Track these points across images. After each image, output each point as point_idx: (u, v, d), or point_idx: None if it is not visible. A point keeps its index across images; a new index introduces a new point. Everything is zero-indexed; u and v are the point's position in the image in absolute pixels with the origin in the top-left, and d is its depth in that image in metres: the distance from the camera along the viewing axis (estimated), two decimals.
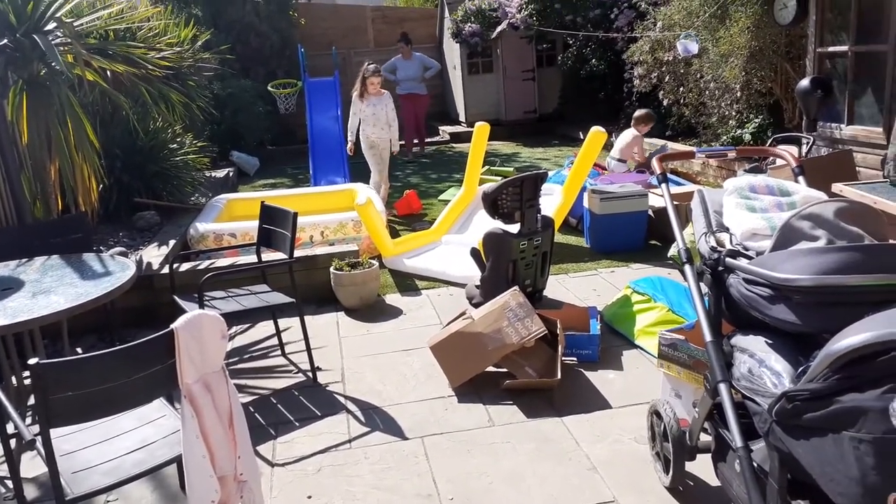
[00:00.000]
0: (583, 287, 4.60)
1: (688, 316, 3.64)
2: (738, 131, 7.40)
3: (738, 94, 7.19)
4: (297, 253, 4.66)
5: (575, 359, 3.45)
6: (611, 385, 3.24)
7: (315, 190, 7.15)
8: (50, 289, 2.81)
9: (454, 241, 5.59)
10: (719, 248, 2.20)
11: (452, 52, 12.92)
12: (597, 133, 5.03)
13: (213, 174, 8.88)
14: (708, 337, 2.12)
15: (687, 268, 2.29)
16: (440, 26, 13.81)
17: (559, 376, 3.09)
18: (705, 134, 7.92)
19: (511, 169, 8.33)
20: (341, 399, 3.24)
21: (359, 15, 14.20)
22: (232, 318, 3.43)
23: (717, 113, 7.38)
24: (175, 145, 7.00)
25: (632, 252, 5.21)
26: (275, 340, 3.88)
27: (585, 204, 5.48)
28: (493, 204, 4.04)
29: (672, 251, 4.71)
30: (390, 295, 4.69)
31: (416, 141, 10.79)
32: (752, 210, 2.33)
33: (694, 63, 7.29)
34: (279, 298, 3.43)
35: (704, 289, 2.26)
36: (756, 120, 7.37)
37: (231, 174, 9.34)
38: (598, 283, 4.68)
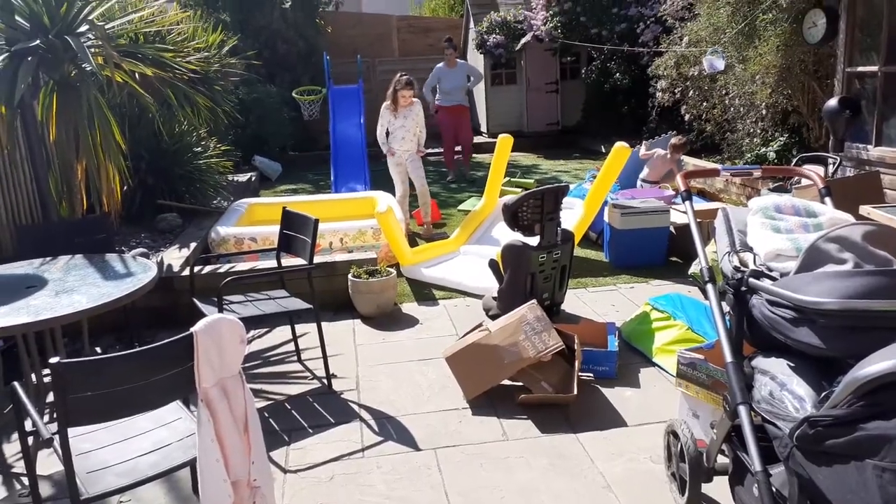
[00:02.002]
0: (601, 302, 4.57)
1: (707, 335, 3.60)
2: (763, 149, 7.32)
3: (764, 112, 7.13)
4: (316, 259, 4.70)
5: (592, 375, 3.42)
6: (627, 402, 3.21)
7: (335, 197, 7.19)
8: (73, 288, 2.84)
9: (473, 251, 5.58)
10: (743, 268, 2.17)
11: (476, 62, 12.99)
12: (621, 148, 5.01)
13: (236, 178, 8.96)
14: (728, 358, 2.09)
15: (709, 287, 2.26)
16: (465, 37, 13.87)
17: (575, 392, 3.06)
18: (728, 150, 7.85)
19: (532, 181, 8.32)
20: (355, 407, 3.24)
21: (384, 23, 14.32)
22: (250, 323, 3.45)
23: (741, 130, 7.32)
24: (199, 149, 7.08)
25: (652, 268, 5.17)
26: (291, 346, 3.89)
27: (606, 218, 5.44)
28: (514, 216, 4.03)
29: (693, 269, 4.66)
30: (407, 304, 4.69)
31: (458, 157, 9.66)
32: (777, 230, 2.29)
33: (719, 79, 7.24)
34: (297, 304, 3.44)
35: (726, 308, 2.23)
36: (781, 138, 7.29)
37: (253, 179, 9.42)
38: (617, 298, 4.64)
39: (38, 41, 4.34)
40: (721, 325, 2.16)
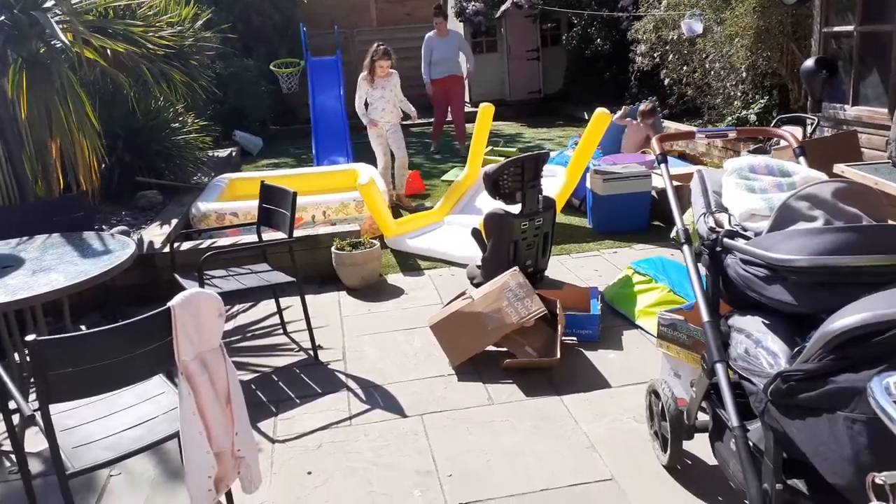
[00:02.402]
0: (585, 268, 4.60)
1: (689, 296, 3.64)
2: (744, 112, 7.34)
3: (744, 74, 7.12)
4: (299, 233, 4.68)
5: (575, 338, 3.46)
6: (611, 365, 3.25)
7: (317, 170, 7.15)
8: (50, 267, 2.82)
9: (457, 221, 5.58)
10: (718, 229, 2.19)
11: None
12: (601, 114, 5.00)
13: (216, 154, 8.86)
14: (705, 317, 2.12)
15: (685, 248, 2.29)
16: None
17: (558, 356, 3.10)
18: (709, 114, 7.86)
19: (514, 150, 8.29)
20: (342, 377, 3.26)
21: None
22: (233, 297, 3.46)
23: (721, 93, 7.32)
24: (177, 124, 6.99)
25: (635, 233, 5.20)
26: (276, 319, 3.89)
27: (588, 185, 5.45)
28: (495, 184, 4.03)
29: (674, 232, 4.69)
30: (392, 275, 4.69)
31: (456, 144, 9.32)
32: (751, 190, 2.32)
33: (698, 42, 7.21)
34: (280, 277, 3.43)
35: (703, 270, 2.26)
36: (761, 101, 7.31)
37: (234, 154, 9.32)
38: (600, 263, 4.68)
39: (2, 17, 4.24)
40: (697, 286, 2.19)
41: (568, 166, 5.26)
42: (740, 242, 2.03)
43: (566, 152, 6.39)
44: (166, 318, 2.01)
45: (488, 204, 5.78)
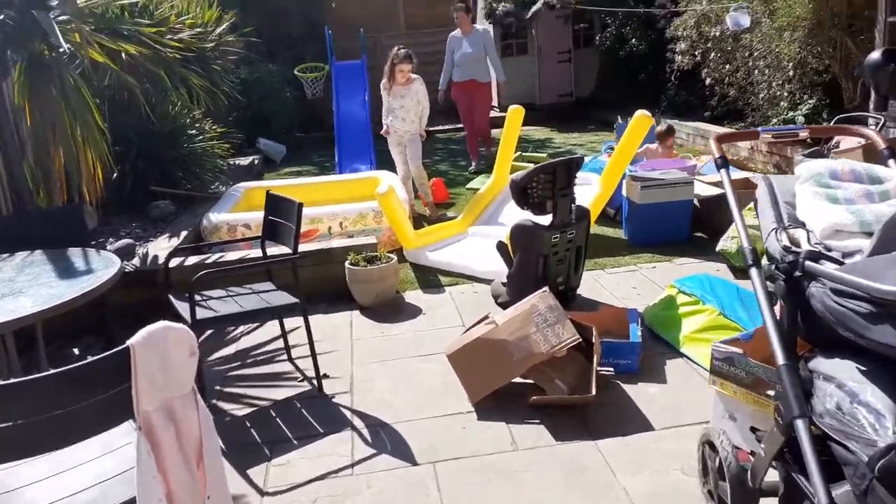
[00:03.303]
0: (621, 285, 4.18)
1: (741, 321, 3.21)
2: (791, 113, 6.83)
3: (791, 72, 6.62)
4: (312, 246, 4.36)
5: (612, 369, 3.05)
6: (653, 402, 2.84)
7: (337, 178, 6.84)
8: (21, 290, 2.52)
9: (482, 233, 5.20)
10: (795, 248, 1.78)
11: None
12: (642, 117, 4.57)
13: (238, 161, 8.63)
14: (781, 359, 1.70)
15: (753, 271, 1.86)
16: (473, 7, 13.34)
17: (594, 392, 2.70)
18: (753, 116, 7.35)
19: (544, 155, 7.88)
20: (347, 413, 2.90)
21: None
22: (230, 321, 3.13)
23: (767, 93, 6.82)
24: (194, 131, 6.74)
25: (675, 245, 4.76)
26: (281, 342, 3.55)
27: (624, 192, 5.03)
28: (523, 193, 3.65)
29: (722, 245, 4.24)
30: (410, 291, 4.33)
31: (482, 150, 8.07)
32: (833, 201, 1.90)
33: (742, 38, 6.72)
34: (283, 299, 3.09)
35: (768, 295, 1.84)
36: (810, 101, 6.79)
37: (257, 161, 9.08)
38: (639, 280, 4.25)
39: (1, 16, 4.00)
40: (770, 319, 1.77)
41: (603, 173, 4.85)
42: (830, 267, 1.62)
43: (601, 158, 5.97)
44: (124, 359, 1.67)
45: (516, 214, 5.41)
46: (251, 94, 9.95)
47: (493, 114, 11.72)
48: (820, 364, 1.70)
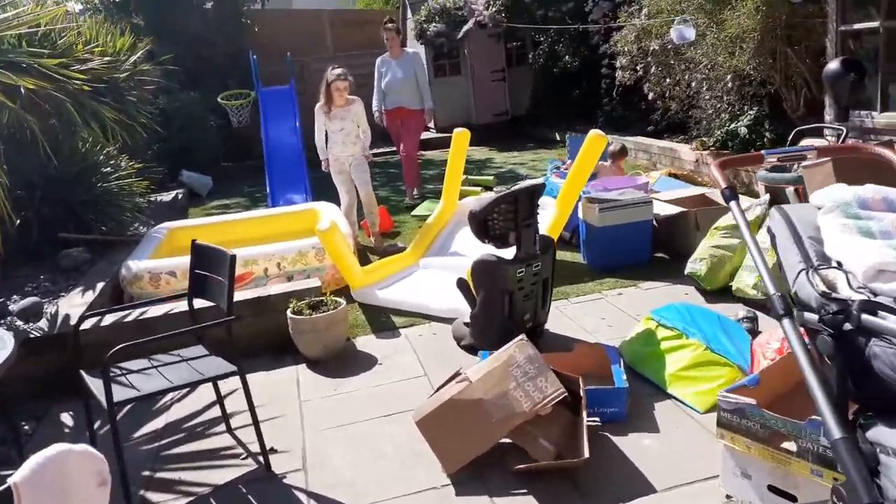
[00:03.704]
0: (589, 315, 3.90)
1: (728, 354, 2.96)
2: (733, 125, 6.80)
3: (730, 84, 6.59)
4: (246, 294, 3.90)
5: (598, 419, 2.73)
6: (648, 455, 2.53)
7: (272, 212, 6.35)
8: None
9: (434, 264, 4.85)
10: (836, 295, 1.50)
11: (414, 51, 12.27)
12: (596, 137, 4.33)
13: (160, 198, 8.03)
14: (836, 432, 1.40)
15: (786, 324, 1.57)
16: (403, 30, 13.09)
17: (587, 454, 2.36)
18: (696, 129, 7.31)
19: (490, 177, 7.61)
20: (302, 497, 2.48)
21: (316, 19, 13.42)
22: (155, 397, 2.67)
23: (711, 105, 6.77)
24: (108, 168, 6.16)
25: (637, 268, 4.53)
26: (218, 409, 3.08)
27: (580, 215, 4.79)
28: (483, 225, 3.32)
29: (690, 267, 4.03)
30: (361, 337, 3.93)
31: (412, 189, 7.44)
32: (868, 234, 1.64)
33: (684, 51, 6.66)
34: (217, 367, 2.65)
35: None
36: (751, 112, 6.78)
37: (181, 196, 8.49)
38: (606, 309, 3.98)
39: None
40: (816, 382, 1.47)
41: (559, 195, 4.58)
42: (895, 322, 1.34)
43: (551, 178, 5.73)
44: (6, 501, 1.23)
45: (469, 242, 5.08)
46: (171, 124, 9.36)
47: (428, 135, 11.49)
48: (883, 435, 1.42)
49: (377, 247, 5.64)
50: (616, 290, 4.26)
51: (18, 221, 5.13)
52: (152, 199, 7.69)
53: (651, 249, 4.73)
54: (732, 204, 1.84)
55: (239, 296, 3.80)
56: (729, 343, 3.03)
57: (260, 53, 9.82)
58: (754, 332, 3.31)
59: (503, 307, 3.35)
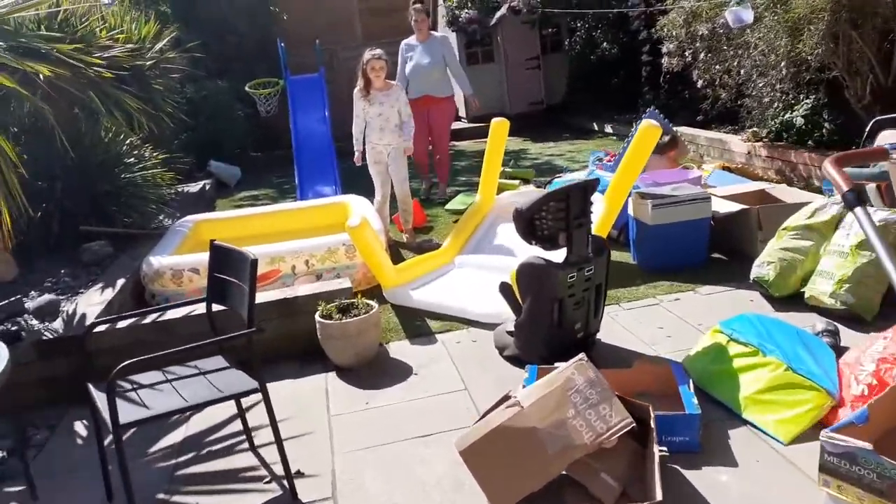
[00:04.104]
0: (643, 324, 3.55)
1: (813, 375, 2.59)
2: (788, 114, 6.36)
3: (784, 71, 6.13)
4: (271, 294, 3.63)
5: (665, 449, 2.39)
6: (728, 495, 2.20)
7: (301, 205, 6.08)
8: None
9: (472, 262, 4.54)
10: None
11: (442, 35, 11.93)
12: (649, 127, 3.95)
13: (187, 188, 7.82)
14: None
15: (859, 212, 1.23)
16: (433, 15, 12.74)
17: (660, 497, 2.03)
18: (749, 119, 6.87)
19: (530, 170, 7.26)
20: None
21: (345, 7, 13.14)
22: (167, 419, 2.41)
23: (765, 93, 6.33)
24: (132, 159, 5.95)
25: (693, 270, 4.16)
26: (240, 425, 2.82)
27: (631, 212, 4.43)
28: (530, 224, 2.99)
29: (757, 272, 3.66)
30: (395, 342, 3.64)
31: (434, 179, 6.98)
32: None
33: (736, 36, 6.22)
34: (237, 383, 2.38)
35: None
36: (807, 101, 6.33)
37: (208, 187, 8.28)
38: (663, 316, 3.63)
39: None
40: None
41: (608, 190, 4.22)
42: None
43: (596, 172, 5.37)
44: None
45: (509, 238, 4.76)
46: (199, 114, 9.15)
47: (460, 125, 11.14)
48: None
49: (410, 242, 5.35)
50: (672, 294, 3.90)
51: (39, 214, 4.94)
52: (180, 189, 7.48)
53: (707, 250, 4.36)
54: (858, 211, 1.49)
55: (265, 296, 3.54)
56: (812, 362, 2.66)
57: (288, 41, 9.57)
58: (836, 348, 2.94)
59: (552, 315, 3.03)
